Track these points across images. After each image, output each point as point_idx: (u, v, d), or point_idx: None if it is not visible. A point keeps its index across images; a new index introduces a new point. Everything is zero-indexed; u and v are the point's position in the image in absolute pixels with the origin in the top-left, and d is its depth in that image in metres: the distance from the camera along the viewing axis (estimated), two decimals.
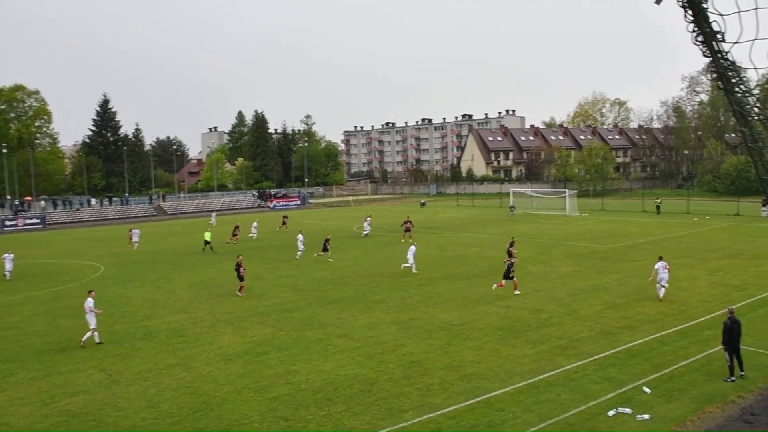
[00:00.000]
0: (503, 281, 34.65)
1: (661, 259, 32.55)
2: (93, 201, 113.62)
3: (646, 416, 17.26)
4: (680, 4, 5.09)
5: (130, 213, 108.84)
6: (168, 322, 30.16)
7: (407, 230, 60.07)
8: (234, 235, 62.90)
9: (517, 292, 34.03)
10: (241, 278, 36.13)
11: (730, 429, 16.64)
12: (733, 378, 20.00)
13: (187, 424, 17.92)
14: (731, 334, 20.04)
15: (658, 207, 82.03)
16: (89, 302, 26.71)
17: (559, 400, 18.64)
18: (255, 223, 68.38)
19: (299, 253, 49.50)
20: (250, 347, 25.38)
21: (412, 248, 42.47)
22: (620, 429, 16.68)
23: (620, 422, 17.05)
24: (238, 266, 36.35)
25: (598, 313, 29.12)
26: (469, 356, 23.25)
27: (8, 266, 44.79)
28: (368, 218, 67.14)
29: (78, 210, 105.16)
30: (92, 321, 26.62)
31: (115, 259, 53.13)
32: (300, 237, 50.74)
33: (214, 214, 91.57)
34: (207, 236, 56.56)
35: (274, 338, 26.61)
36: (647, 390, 19.17)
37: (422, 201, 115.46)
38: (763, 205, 71.83)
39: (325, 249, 48.71)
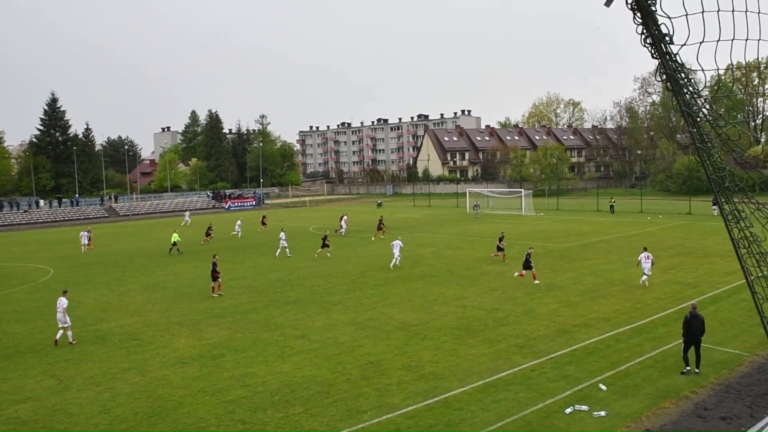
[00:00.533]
0: (523, 271, 36.57)
1: (645, 249, 35.27)
2: (41, 202, 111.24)
3: (603, 413, 17.41)
4: (629, 6, 5.12)
5: (80, 215, 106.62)
6: (121, 325, 29.66)
7: (380, 228, 61.33)
8: (208, 234, 62.36)
9: (537, 281, 35.94)
10: (214, 278, 35.83)
11: (684, 424, 16.85)
12: (688, 368, 20.45)
13: (142, 429, 17.62)
14: (690, 327, 20.43)
15: (611, 206, 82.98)
16: (63, 302, 26.67)
17: (516, 399, 18.72)
18: (239, 222, 68.47)
19: (280, 250, 50.58)
20: (205, 350, 25.08)
21: (397, 243, 44.05)
22: (577, 426, 16.79)
23: (577, 419, 17.18)
24: (214, 266, 36.11)
25: (554, 312, 29.32)
26: (427, 356, 23.24)
27: None
28: (344, 216, 67.71)
29: (26, 211, 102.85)
30: (67, 319, 26.58)
31: (66, 261, 52.23)
32: (282, 235, 51.65)
33: (188, 213, 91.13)
34: (174, 237, 55.35)
35: (230, 340, 26.34)
36: (603, 387, 19.35)
37: (379, 201, 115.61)
38: (714, 204, 72.94)
39: (324, 245, 49.46)
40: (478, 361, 22.41)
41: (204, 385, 20.93)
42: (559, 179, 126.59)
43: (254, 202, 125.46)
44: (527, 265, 36.26)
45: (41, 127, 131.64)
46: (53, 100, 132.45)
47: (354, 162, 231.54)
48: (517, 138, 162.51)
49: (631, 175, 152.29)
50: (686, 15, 4.93)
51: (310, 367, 22.38)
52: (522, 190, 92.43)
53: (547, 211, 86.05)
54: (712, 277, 36.40)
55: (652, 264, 34.18)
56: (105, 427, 17.75)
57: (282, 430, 17.24)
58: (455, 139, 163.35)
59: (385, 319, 28.92)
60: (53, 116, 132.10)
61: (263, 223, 74.12)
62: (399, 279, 38.84)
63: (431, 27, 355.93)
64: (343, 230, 64.67)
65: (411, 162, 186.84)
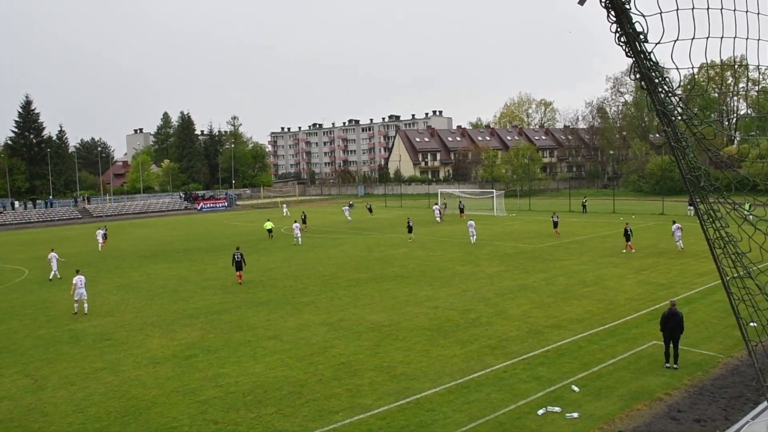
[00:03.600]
0: (627, 243, 46.21)
1: (674, 222, 46.52)
2: (16, 204, 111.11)
3: (575, 414, 17.45)
4: (603, 4, 5.20)
5: (54, 216, 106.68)
6: (95, 325, 29.56)
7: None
8: (304, 222, 69.28)
9: (633, 251, 45.40)
10: (240, 268, 39.38)
11: (658, 426, 16.95)
12: (668, 365, 20.82)
13: (115, 428, 17.61)
14: (666, 323, 20.83)
15: (584, 206, 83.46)
16: (82, 279, 32.25)
17: (488, 400, 18.79)
18: (346, 208, 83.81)
19: (297, 239, 57.73)
20: (178, 350, 25.07)
21: (472, 223, 55.06)
22: (550, 427, 16.87)
23: (549, 421, 17.25)
24: (241, 256, 39.67)
25: (527, 313, 29.40)
26: (399, 357, 23.31)
27: None
28: (437, 206, 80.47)
29: (0, 213, 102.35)
30: (85, 293, 32.13)
31: (40, 262, 51.61)
32: (296, 225, 59.36)
33: (285, 205, 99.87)
34: (269, 225, 63.62)
35: (203, 341, 26.33)
36: (576, 388, 19.37)
37: (350, 202, 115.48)
38: (690, 205, 73.07)
39: (410, 230, 58.51)
40: (450, 362, 22.49)
41: (177, 385, 20.92)
42: (530, 180, 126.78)
43: (226, 204, 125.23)
44: (627, 238, 46.03)
45: (16, 130, 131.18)
46: (27, 103, 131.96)
47: (326, 163, 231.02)
48: (488, 138, 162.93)
49: (603, 175, 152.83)
50: (660, 13, 5.02)
51: (282, 368, 22.43)
52: (494, 190, 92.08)
53: (519, 212, 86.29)
54: (686, 278, 36.44)
55: (681, 232, 44.98)
56: (79, 427, 17.75)
57: (254, 430, 17.28)
58: (426, 139, 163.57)
59: (356, 320, 28.98)
60: (27, 118, 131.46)
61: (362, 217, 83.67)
62: (371, 280, 38.92)
63: (403, 27, 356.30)
64: (443, 212, 72.07)
65: (382, 163, 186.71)
